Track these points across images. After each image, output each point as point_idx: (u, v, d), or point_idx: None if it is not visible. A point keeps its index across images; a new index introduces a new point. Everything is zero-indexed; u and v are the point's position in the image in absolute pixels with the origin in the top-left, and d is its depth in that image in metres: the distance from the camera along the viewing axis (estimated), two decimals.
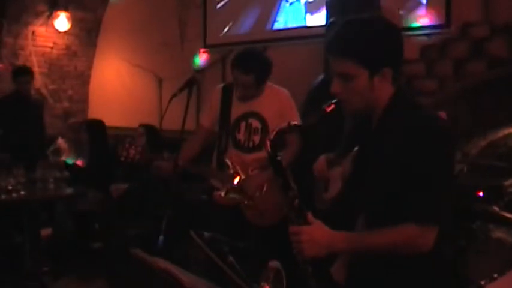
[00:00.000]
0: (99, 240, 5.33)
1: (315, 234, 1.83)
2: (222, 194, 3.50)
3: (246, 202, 3.45)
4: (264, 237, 3.43)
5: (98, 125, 5.77)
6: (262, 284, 1.91)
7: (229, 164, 3.50)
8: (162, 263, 1.87)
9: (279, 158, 1.88)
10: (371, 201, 1.91)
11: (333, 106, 1.85)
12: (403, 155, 1.77)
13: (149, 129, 5.25)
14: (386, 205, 1.83)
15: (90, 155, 5.61)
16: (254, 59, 3.38)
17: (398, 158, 1.79)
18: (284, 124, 1.94)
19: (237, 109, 3.50)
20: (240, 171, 3.48)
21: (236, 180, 3.47)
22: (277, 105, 3.45)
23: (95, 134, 5.62)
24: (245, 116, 3.49)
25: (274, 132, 1.90)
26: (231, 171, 3.49)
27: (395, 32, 1.87)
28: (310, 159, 2.80)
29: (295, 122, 1.94)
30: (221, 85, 3.69)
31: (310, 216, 1.86)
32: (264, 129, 3.46)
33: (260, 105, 3.47)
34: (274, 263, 1.94)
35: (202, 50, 6.21)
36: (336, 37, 1.85)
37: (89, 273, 4.87)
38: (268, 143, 1.89)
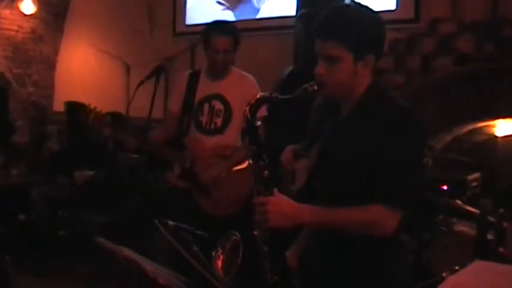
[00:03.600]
0: (64, 228, 5.26)
1: (281, 205, 1.83)
2: (175, 174, 3.48)
3: (198, 190, 3.43)
4: (222, 227, 3.42)
5: (80, 109, 5.71)
6: (218, 249, 1.91)
7: (190, 145, 3.48)
8: (126, 252, 1.86)
9: (257, 125, 1.88)
10: (337, 188, 1.93)
11: (316, 87, 1.86)
12: (377, 142, 1.81)
13: (115, 117, 5.18)
14: (353, 192, 1.87)
15: (69, 139, 5.52)
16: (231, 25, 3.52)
17: (372, 144, 1.82)
18: (266, 93, 1.94)
19: (201, 92, 3.49)
20: (198, 156, 3.45)
21: (193, 164, 3.44)
22: (242, 89, 3.44)
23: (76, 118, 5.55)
24: (209, 98, 3.47)
25: (255, 99, 1.89)
26: (189, 154, 3.47)
27: (381, 22, 1.92)
28: (276, 148, 2.79)
29: (277, 94, 1.92)
30: (188, 72, 3.66)
31: (276, 191, 1.87)
32: (226, 112, 3.45)
33: (225, 87, 3.46)
34: (234, 235, 1.94)
35: None
36: (325, 20, 1.88)
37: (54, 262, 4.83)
38: (247, 108, 1.88)
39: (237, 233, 1.99)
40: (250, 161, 1.91)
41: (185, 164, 3.46)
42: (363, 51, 1.85)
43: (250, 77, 3.58)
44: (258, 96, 1.91)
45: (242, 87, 3.45)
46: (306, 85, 1.87)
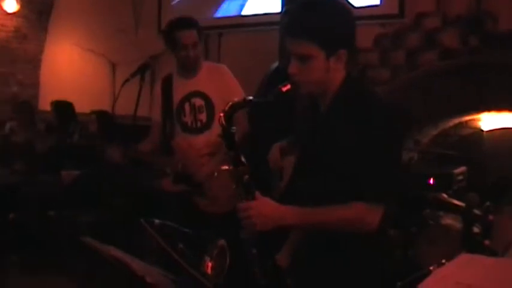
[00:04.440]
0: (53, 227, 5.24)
1: (264, 209, 1.83)
2: (170, 181, 3.47)
3: (195, 191, 3.43)
4: (218, 224, 3.41)
5: (66, 107, 5.70)
6: (205, 258, 1.91)
7: (177, 149, 3.46)
8: (113, 251, 1.85)
9: (232, 131, 1.87)
10: (319, 185, 1.93)
11: (288, 86, 1.85)
12: (355, 138, 1.81)
13: (101, 115, 5.18)
14: (334, 188, 1.86)
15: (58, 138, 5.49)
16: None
17: (350, 140, 1.82)
18: (239, 98, 1.93)
19: (179, 93, 3.47)
20: (188, 157, 3.44)
21: (184, 167, 3.43)
22: (218, 80, 3.43)
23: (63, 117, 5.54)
24: (188, 97, 3.46)
25: (229, 105, 1.88)
26: (179, 157, 3.46)
27: (350, 14, 1.90)
28: (261, 145, 2.79)
29: (250, 98, 1.92)
30: (160, 78, 3.65)
31: (258, 194, 1.86)
32: (208, 106, 3.43)
33: (201, 83, 3.45)
34: (220, 241, 1.94)
35: None
36: (293, 19, 1.87)
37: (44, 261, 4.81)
38: (222, 115, 1.87)
39: (222, 239, 1.99)
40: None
41: (177, 168, 3.45)
42: (334, 47, 1.83)
43: (223, 66, 3.58)
44: (231, 102, 1.90)
45: (218, 78, 3.44)
46: (279, 86, 1.86)
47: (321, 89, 1.91)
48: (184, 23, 3.40)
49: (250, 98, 1.92)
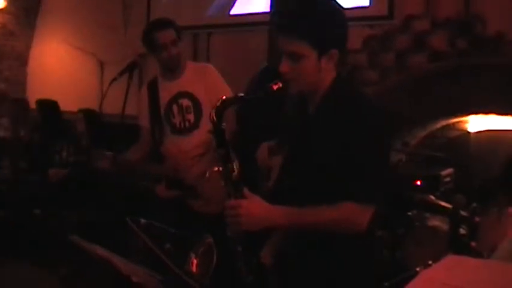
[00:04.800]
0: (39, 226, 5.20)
1: (254, 208, 1.83)
2: (163, 186, 3.45)
3: (188, 194, 3.42)
4: (213, 223, 3.40)
5: (51, 106, 5.66)
6: (191, 255, 1.90)
7: (167, 154, 3.46)
8: (100, 250, 1.84)
9: (223, 127, 1.87)
10: (306, 186, 1.93)
11: (279, 85, 1.85)
12: (344, 138, 1.81)
13: (88, 114, 5.15)
14: (322, 189, 1.86)
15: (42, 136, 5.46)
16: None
17: (339, 140, 1.82)
18: (230, 95, 1.94)
19: (165, 96, 3.46)
20: (178, 161, 3.43)
21: (175, 172, 3.42)
22: (203, 79, 3.43)
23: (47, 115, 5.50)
24: (175, 99, 3.45)
25: (220, 101, 1.87)
26: (169, 162, 3.45)
27: (342, 15, 1.91)
28: (249, 144, 2.78)
29: (241, 94, 1.91)
30: (145, 83, 3.64)
31: (247, 191, 1.86)
32: (195, 106, 3.42)
33: (186, 83, 3.44)
34: (207, 238, 1.94)
35: None
36: (287, 17, 1.87)
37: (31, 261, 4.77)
38: (213, 111, 1.86)
39: (209, 236, 1.98)
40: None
41: (168, 174, 3.44)
42: (326, 47, 1.84)
43: (209, 65, 3.58)
44: (223, 98, 1.89)
45: (203, 78, 3.44)
46: (270, 83, 1.86)
47: (311, 89, 1.91)
48: (160, 23, 3.42)
49: (242, 94, 1.92)
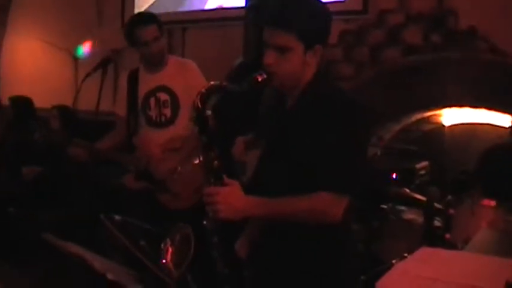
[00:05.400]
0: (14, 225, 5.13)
1: (232, 197, 1.83)
2: (132, 178, 3.44)
3: (157, 187, 3.40)
4: (181, 219, 3.40)
5: (25, 103, 5.58)
6: (167, 241, 1.89)
7: (139, 145, 3.44)
8: (74, 248, 1.82)
9: (207, 115, 1.86)
10: (282, 179, 1.94)
11: (264, 76, 1.85)
12: (321, 133, 1.82)
13: (62, 110, 5.10)
14: (298, 182, 1.87)
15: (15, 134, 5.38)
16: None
17: (316, 135, 1.83)
18: (216, 82, 1.91)
19: (144, 87, 3.45)
20: (150, 153, 3.41)
21: (146, 163, 3.40)
22: (184, 75, 3.42)
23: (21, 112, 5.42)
24: (153, 92, 3.45)
25: (205, 88, 1.87)
26: (141, 154, 3.43)
27: (328, 10, 1.93)
28: (226, 138, 2.77)
29: (226, 83, 1.91)
30: (127, 72, 3.61)
31: (226, 178, 1.86)
32: (173, 101, 3.42)
33: (166, 78, 3.44)
34: (185, 227, 1.92)
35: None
36: (276, 9, 1.87)
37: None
38: (198, 97, 1.85)
39: (188, 226, 1.97)
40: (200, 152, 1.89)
41: (139, 165, 3.41)
42: (313, 41, 1.86)
43: (189, 61, 3.58)
44: (208, 85, 1.89)
45: (183, 74, 3.43)
46: (255, 74, 1.86)
47: (292, 83, 1.92)
48: (143, 19, 3.38)
49: (226, 83, 1.91)
